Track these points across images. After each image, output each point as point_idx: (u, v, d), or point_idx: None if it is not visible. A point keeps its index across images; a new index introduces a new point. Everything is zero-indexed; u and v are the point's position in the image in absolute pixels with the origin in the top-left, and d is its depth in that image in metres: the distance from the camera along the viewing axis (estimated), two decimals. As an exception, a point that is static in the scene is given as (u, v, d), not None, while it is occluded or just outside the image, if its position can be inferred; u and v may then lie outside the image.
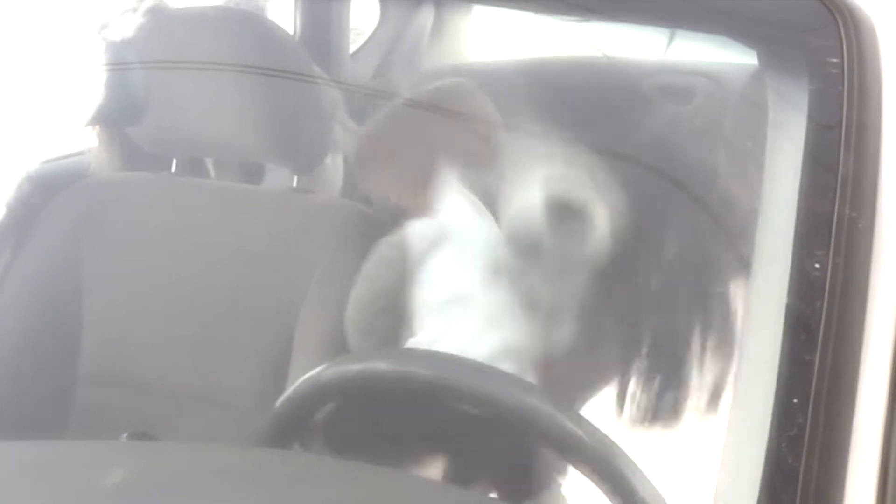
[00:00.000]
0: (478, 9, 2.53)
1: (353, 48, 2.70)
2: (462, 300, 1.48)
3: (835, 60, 1.33)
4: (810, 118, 1.31)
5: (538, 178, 1.48)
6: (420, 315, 1.52)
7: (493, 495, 1.42)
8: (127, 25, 1.96)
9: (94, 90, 2.00)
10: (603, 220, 1.45)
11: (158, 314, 1.90)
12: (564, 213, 1.45)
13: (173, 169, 2.03)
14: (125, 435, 1.48)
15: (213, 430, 1.77)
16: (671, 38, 1.81)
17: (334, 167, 2.07)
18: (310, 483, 1.29)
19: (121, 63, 1.99)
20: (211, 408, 1.82)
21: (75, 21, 2.07)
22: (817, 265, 1.24)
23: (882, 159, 1.30)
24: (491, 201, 1.52)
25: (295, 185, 1.96)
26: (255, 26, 1.99)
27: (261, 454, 1.39)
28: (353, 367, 1.45)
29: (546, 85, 1.86)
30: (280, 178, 2.09)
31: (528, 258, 1.48)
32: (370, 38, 2.78)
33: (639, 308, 1.48)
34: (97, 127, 2.09)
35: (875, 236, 1.27)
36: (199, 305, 1.89)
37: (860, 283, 1.24)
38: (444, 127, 1.62)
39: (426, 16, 2.69)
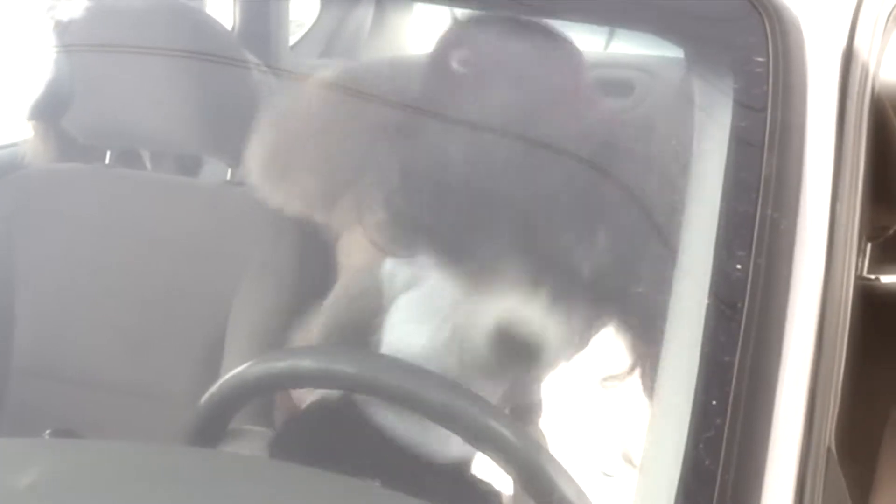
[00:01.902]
0: (418, 4, 2.52)
1: (293, 40, 2.69)
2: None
3: (760, 59, 1.32)
4: (734, 117, 1.31)
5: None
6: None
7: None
8: (60, 15, 1.95)
9: (27, 81, 1.98)
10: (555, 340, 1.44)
11: (91, 307, 1.88)
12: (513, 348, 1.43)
13: (107, 160, 2.01)
14: (48, 432, 1.47)
15: (143, 425, 1.76)
16: (608, 35, 1.81)
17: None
18: (229, 482, 1.27)
19: (54, 54, 1.97)
20: (142, 403, 1.81)
21: (6, 12, 2.05)
22: (738, 265, 1.23)
23: (805, 160, 1.30)
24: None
25: (229, 177, 1.94)
26: (188, 17, 1.98)
27: (181, 453, 1.38)
28: (278, 365, 1.44)
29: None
30: (216, 170, 2.08)
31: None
32: (310, 30, 2.77)
33: (561, 302, 1.47)
34: (31, 118, 2.07)
35: (797, 237, 1.26)
36: (132, 298, 1.87)
37: (781, 284, 1.24)
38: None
39: (367, 8, 2.68)
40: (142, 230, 1.89)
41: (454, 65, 1.52)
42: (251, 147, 1.60)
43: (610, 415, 1.42)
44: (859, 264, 1.52)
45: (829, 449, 1.23)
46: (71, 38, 1.96)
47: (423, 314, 1.46)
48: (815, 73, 1.34)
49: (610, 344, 1.43)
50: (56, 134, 2.03)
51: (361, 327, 1.48)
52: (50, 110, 2.01)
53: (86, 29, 1.95)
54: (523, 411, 1.50)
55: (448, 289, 1.44)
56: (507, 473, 1.34)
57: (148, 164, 2.18)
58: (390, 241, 1.48)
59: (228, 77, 1.96)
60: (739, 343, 1.20)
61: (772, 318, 1.23)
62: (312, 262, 1.68)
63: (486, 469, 1.42)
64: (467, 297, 1.44)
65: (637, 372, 1.37)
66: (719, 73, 1.35)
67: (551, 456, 1.30)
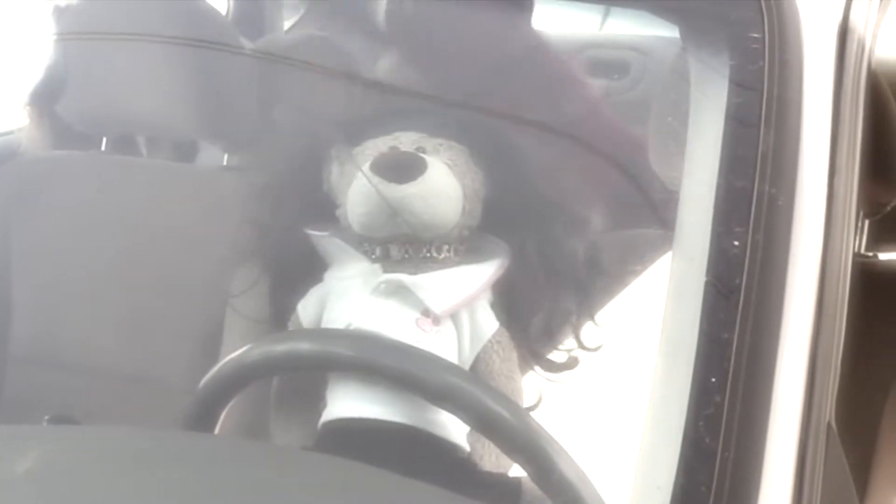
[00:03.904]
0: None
1: (287, 25, 2.69)
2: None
3: (756, 36, 1.32)
4: (730, 93, 1.31)
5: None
6: None
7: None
8: (55, 2, 1.94)
9: (22, 68, 1.98)
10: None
11: (88, 293, 1.88)
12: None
13: (103, 147, 2.00)
14: (46, 418, 1.46)
15: (141, 411, 1.75)
16: (603, 15, 1.81)
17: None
18: (228, 466, 1.27)
19: (49, 41, 1.97)
20: (140, 389, 1.81)
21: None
22: (736, 242, 1.23)
23: (802, 136, 1.30)
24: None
25: (225, 162, 1.94)
26: (183, 3, 1.97)
27: (180, 438, 1.38)
28: (277, 348, 1.44)
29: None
30: (212, 155, 2.08)
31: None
32: (304, 14, 2.76)
33: (558, 283, 1.47)
34: (27, 105, 2.06)
35: (795, 214, 1.26)
36: (130, 285, 1.87)
37: (779, 260, 1.24)
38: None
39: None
40: (138, 216, 1.89)
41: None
42: None
43: (609, 393, 1.42)
44: (857, 241, 1.51)
45: (829, 425, 1.23)
46: (66, 25, 1.95)
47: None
48: (811, 49, 1.34)
49: (608, 322, 1.43)
50: (51, 121, 2.03)
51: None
52: (45, 97, 2.00)
53: (81, 15, 1.95)
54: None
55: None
56: (506, 454, 1.34)
57: (144, 151, 2.17)
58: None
59: (223, 62, 1.95)
60: (738, 320, 1.20)
61: (770, 295, 1.22)
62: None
63: (488, 452, 1.41)
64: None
65: (636, 349, 1.37)
66: (715, 50, 1.34)
67: (550, 436, 1.30)
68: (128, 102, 1.94)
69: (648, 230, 1.48)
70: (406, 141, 1.49)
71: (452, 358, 1.44)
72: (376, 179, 1.44)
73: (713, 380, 1.18)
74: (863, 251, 1.92)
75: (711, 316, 1.21)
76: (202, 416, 1.42)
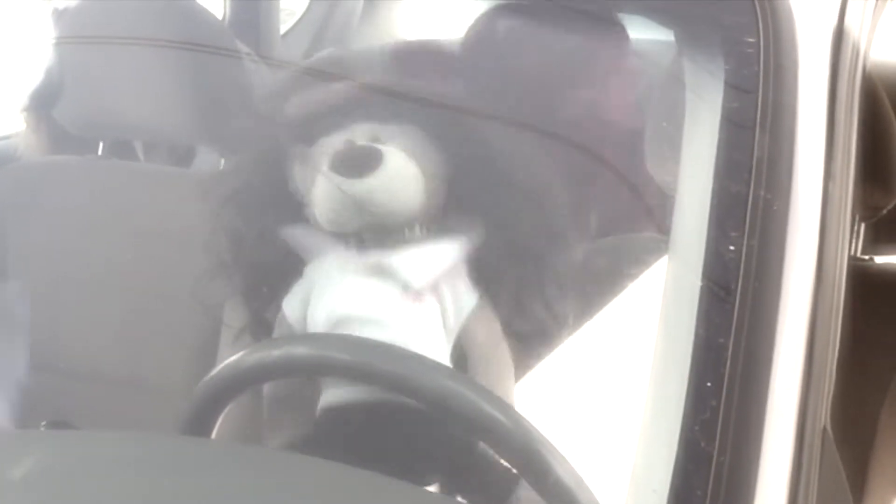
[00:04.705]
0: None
1: (284, 29, 2.69)
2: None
3: (751, 40, 1.32)
4: (726, 97, 1.31)
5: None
6: None
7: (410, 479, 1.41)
8: (51, 6, 1.94)
9: (18, 73, 1.98)
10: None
11: (85, 298, 1.88)
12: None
13: (100, 152, 2.01)
14: (43, 423, 1.46)
15: (138, 416, 1.75)
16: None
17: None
18: (224, 471, 1.27)
19: (45, 45, 1.97)
20: (138, 394, 1.81)
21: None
22: (732, 247, 1.23)
23: (797, 140, 1.30)
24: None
25: (222, 167, 1.94)
26: (179, 7, 1.97)
27: (176, 442, 1.38)
28: (273, 353, 1.44)
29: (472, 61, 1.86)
30: (209, 160, 2.08)
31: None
32: (301, 18, 2.77)
33: (554, 286, 1.47)
34: (24, 110, 2.07)
35: (790, 218, 1.26)
36: (126, 290, 1.87)
37: (775, 265, 1.24)
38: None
39: (358, -4, 2.69)
40: (135, 221, 1.89)
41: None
42: None
43: (605, 396, 1.42)
44: (853, 245, 1.52)
45: (824, 429, 1.23)
46: (62, 29, 1.95)
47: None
48: (806, 52, 1.34)
49: (604, 326, 1.43)
50: (48, 126, 2.03)
51: None
52: (42, 102, 2.01)
53: (77, 20, 1.95)
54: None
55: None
56: (503, 458, 1.34)
57: (141, 155, 2.17)
58: None
59: (220, 66, 1.95)
60: (733, 325, 1.20)
61: (765, 299, 1.22)
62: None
63: (484, 455, 1.41)
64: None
65: (632, 353, 1.37)
66: (710, 54, 1.34)
67: (546, 439, 1.30)
68: (125, 107, 1.94)
69: (644, 234, 1.48)
70: (360, 133, 1.49)
71: (437, 330, 1.45)
72: (337, 178, 1.45)
73: (709, 384, 1.18)
74: (858, 255, 1.93)
75: (707, 320, 1.21)
76: (198, 421, 1.42)
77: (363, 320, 1.44)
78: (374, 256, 1.46)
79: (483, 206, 1.50)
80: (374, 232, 1.47)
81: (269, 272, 1.56)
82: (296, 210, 1.52)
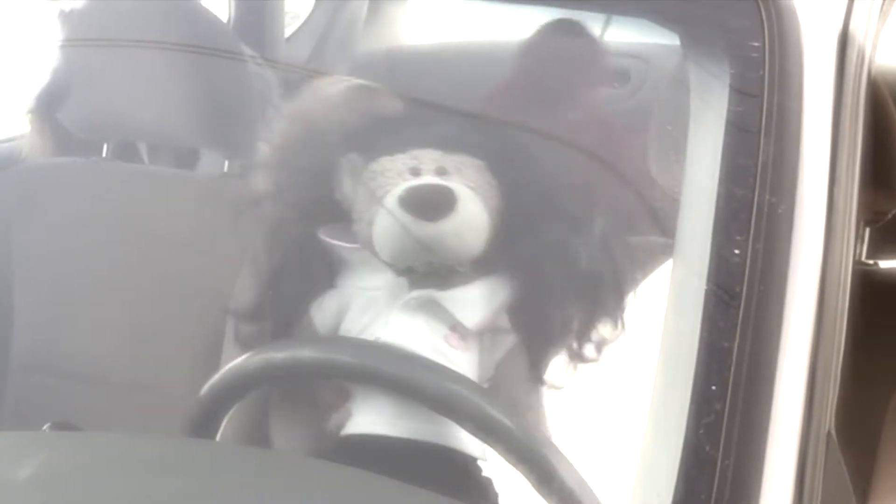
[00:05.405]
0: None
1: (288, 32, 2.69)
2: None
3: (756, 44, 1.32)
4: (731, 101, 1.31)
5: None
6: None
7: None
8: (56, 9, 1.95)
9: (23, 75, 1.98)
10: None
11: (90, 301, 1.88)
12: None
13: (104, 154, 2.01)
14: (47, 425, 1.46)
15: (143, 418, 1.75)
16: (603, 22, 1.80)
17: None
18: (230, 473, 1.28)
19: (50, 47, 1.97)
20: (142, 396, 1.81)
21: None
22: (737, 251, 1.23)
23: (803, 145, 1.30)
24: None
25: (226, 169, 1.94)
26: (184, 10, 1.97)
27: (181, 444, 1.38)
28: (277, 355, 1.44)
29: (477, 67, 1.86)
30: (213, 162, 2.08)
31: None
32: (306, 21, 2.77)
33: (560, 290, 1.47)
34: (28, 112, 2.07)
35: (795, 222, 1.27)
36: (131, 291, 1.87)
37: (779, 269, 1.24)
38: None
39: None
40: (139, 223, 1.89)
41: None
42: None
43: (610, 400, 1.42)
44: (858, 249, 1.51)
45: (829, 434, 1.23)
46: (67, 32, 1.95)
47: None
48: (811, 57, 1.34)
49: (609, 330, 1.43)
50: (53, 128, 2.03)
51: None
52: (47, 104, 2.00)
53: (82, 22, 1.95)
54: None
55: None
56: (508, 462, 1.33)
57: (145, 158, 2.17)
58: None
59: (225, 69, 1.95)
60: (738, 328, 1.20)
61: (771, 303, 1.23)
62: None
63: (488, 458, 1.41)
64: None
65: (637, 357, 1.37)
66: (715, 58, 1.35)
67: (551, 443, 1.30)
68: (129, 109, 1.94)
69: (649, 238, 1.48)
70: (426, 161, 1.44)
71: (477, 372, 1.43)
72: (407, 217, 1.40)
73: (713, 388, 1.19)
74: (863, 259, 1.93)
75: (712, 324, 1.21)
76: (204, 423, 1.42)
77: None
78: (428, 289, 1.42)
79: (531, 243, 1.46)
80: (431, 269, 1.43)
81: (299, 277, 1.52)
82: (335, 214, 1.49)
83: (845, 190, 1.31)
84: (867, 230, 1.73)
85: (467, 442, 1.39)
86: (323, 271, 1.50)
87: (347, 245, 1.47)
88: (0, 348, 1.88)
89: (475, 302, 1.43)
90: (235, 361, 1.42)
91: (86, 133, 2.00)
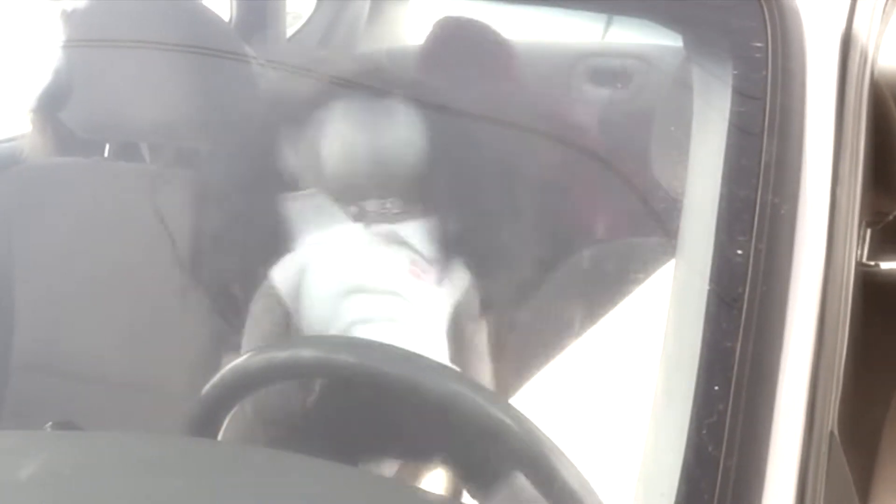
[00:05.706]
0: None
1: (290, 32, 2.69)
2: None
3: (759, 45, 1.32)
4: (734, 102, 1.31)
5: None
6: None
7: (418, 481, 1.41)
8: (58, 9, 1.95)
9: (25, 75, 1.98)
10: None
11: (91, 300, 1.88)
12: None
13: (106, 154, 2.01)
14: (49, 424, 1.46)
15: (144, 417, 1.76)
16: (605, 23, 1.81)
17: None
18: (230, 473, 1.27)
19: (51, 47, 1.97)
20: (144, 395, 1.81)
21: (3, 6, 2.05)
22: (739, 251, 1.23)
23: (805, 146, 1.30)
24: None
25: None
26: (186, 10, 1.97)
27: (182, 444, 1.38)
28: (279, 355, 1.43)
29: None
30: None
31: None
32: (307, 21, 2.77)
33: (562, 290, 1.48)
34: (30, 112, 2.07)
35: (797, 223, 1.27)
36: (132, 292, 1.87)
37: (782, 269, 1.24)
38: None
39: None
40: (141, 223, 1.89)
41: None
42: None
43: (613, 400, 1.42)
44: (859, 250, 1.51)
45: (831, 434, 1.23)
46: (68, 32, 1.95)
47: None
48: (814, 58, 1.34)
49: (611, 330, 1.43)
50: (54, 128, 2.03)
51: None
52: (48, 104, 2.00)
53: (84, 22, 1.95)
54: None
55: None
56: (509, 461, 1.33)
57: (147, 158, 2.17)
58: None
59: (226, 69, 1.95)
60: (741, 329, 1.20)
61: (773, 304, 1.23)
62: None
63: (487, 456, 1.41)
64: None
65: (639, 357, 1.37)
66: (718, 59, 1.35)
67: (553, 443, 1.30)
68: (131, 109, 1.94)
69: (651, 239, 1.48)
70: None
71: (440, 303, 1.47)
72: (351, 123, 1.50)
73: (716, 388, 1.19)
74: (865, 260, 1.93)
75: (714, 325, 1.21)
76: (205, 423, 1.42)
77: (377, 291, 1.45)
78: (384, 227, 1.48)
79: (470, 193, 1.53)
80: (377, 198, 1.50)
81: (255, 247, 1.56)
82: (283, 186, 1.54)
83: (848, 191, 1.31)
84: (869, 231, 1.73)
85: None
86: (278, 238, 1.54)
87: (303, 193, 1.53)
88: (1, 348, 1.88)
89: (429, 233, 1.49)
90: (236, 361, 1.42)
91: (87, 133, 2.00)
